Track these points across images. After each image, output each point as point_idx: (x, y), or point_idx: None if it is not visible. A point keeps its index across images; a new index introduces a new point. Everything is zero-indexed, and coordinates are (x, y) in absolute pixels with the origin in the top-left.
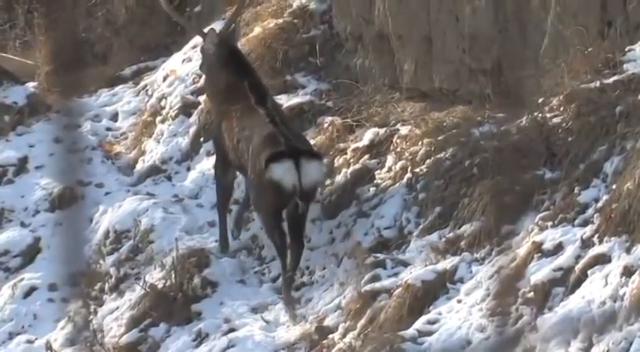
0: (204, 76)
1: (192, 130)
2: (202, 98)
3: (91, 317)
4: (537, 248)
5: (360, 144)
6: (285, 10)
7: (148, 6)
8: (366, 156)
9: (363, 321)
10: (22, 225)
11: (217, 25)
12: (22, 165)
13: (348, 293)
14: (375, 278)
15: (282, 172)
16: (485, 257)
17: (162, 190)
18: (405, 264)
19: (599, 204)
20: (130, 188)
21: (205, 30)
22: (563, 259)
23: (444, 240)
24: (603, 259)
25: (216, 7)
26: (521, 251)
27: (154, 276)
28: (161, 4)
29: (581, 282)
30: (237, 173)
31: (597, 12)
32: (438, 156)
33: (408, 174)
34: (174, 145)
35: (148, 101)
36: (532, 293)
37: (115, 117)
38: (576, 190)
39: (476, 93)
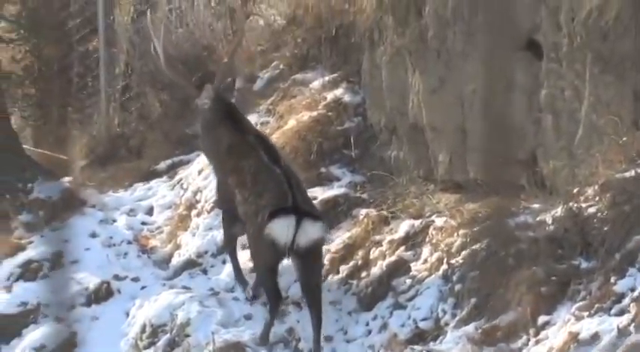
0: (200, 130)
1: None
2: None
3: None
4: (574, 338)
5: (396, 236)
6: (320, 103)
7: (182, 100)
8: (402, 248)
9: None
10: (58, 320)
11: (251, 119)
12: (57, 260)
13: None
14: None
15: (280, 228)
16: (522, 347)
17: (198, 284)
18: None
19: (636, 293)
20: (166, 282)
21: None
22: (599, 349)
23: (480, 330)
24: None
25: (251, 99)
26: (558, 341)
27: None
28: (162, 66)
29: None
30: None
31: (630, 101)
32: (474, 247)
33: (444, 266)
34: (209, 239)
35: (183, 195)
36: None
37: (150, 211)
38: (612, 279)
39: (511, 183)
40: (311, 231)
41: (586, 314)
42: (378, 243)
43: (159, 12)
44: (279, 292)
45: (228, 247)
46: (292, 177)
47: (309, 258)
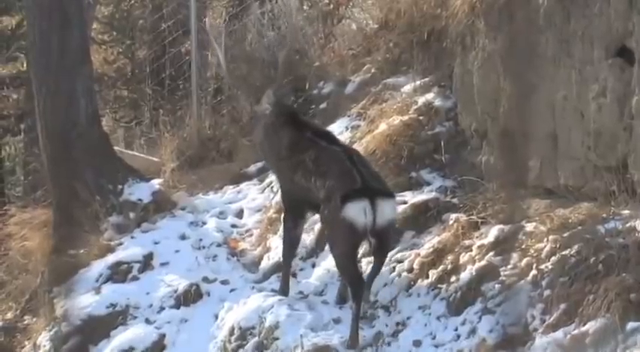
0: (260, 137)
1: (317, 227)
2: None
3: None
4: None
5: (486, 241)
6: (411, 107)
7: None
8: (492, 253)
9: None
10: (147, 321)
11: (342, 122)
12: (147, 262)
13: None
14: None
15: (357, 211)
16: None
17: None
18: None
19: None
20: (255, 285)
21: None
22: None
23: (569, 337)
24: None
25: (342, 103)
26: None
27: None
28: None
29: None
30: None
31: None
32: (563, 252)
33: (534, 271)
34: None
35: (273, 198)
36: None
37: (240, 213)
38: None
39: (601, 190)
40: (387, 211)
41: None
42: (468, 248)
43: (251, 15)
44: (360, 275)
45: (289, 250)
46: (353, 152)
47: (385, 234)
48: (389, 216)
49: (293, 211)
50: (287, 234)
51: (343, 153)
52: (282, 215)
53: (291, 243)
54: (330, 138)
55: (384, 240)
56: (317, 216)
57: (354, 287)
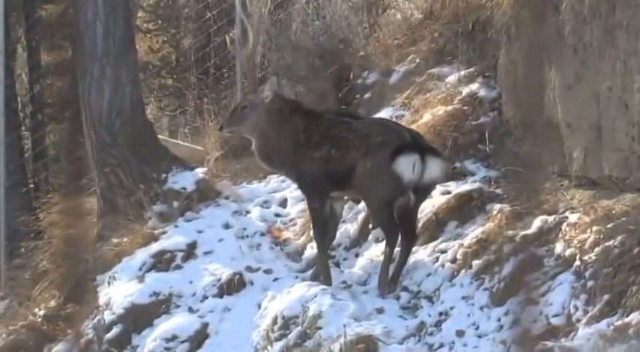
0: (262, 126)
1: (360, 217)
2: None
3: None
4: None
5: (529, 232)
6: (455, 97)
7: (319, 93)
8: (535, 244)
9: None
10: (190, 310)
11: (386, 112)
12: (190, 251)
13: None
14: None
15: (406, 165)
16: None
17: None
18: None
19: None
20: (299, 274)
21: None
22: None
23: (612, 327)
24: None
25: (386, 93)
26: None
27: None
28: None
29: None
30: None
31: None
32: (607, 243)
33: (577, 262)
34: (342, 232)
35: None
36: None
37: (284, 203)
38: None
39: None
40: (435, 169)
41: None
42: (511, 239)
43: (296, 4)
44: (395, 223)
45: (321, 233)
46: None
47: (426, 193)
48: (435, 174)
49: (316, 191)
50: (315, 215)
51: (384, 119)
52: (306, 201)
53: (321, 225)
54: (358, 116)
55: (422, 199)
56: (360, 206)
57: (389, 233)
